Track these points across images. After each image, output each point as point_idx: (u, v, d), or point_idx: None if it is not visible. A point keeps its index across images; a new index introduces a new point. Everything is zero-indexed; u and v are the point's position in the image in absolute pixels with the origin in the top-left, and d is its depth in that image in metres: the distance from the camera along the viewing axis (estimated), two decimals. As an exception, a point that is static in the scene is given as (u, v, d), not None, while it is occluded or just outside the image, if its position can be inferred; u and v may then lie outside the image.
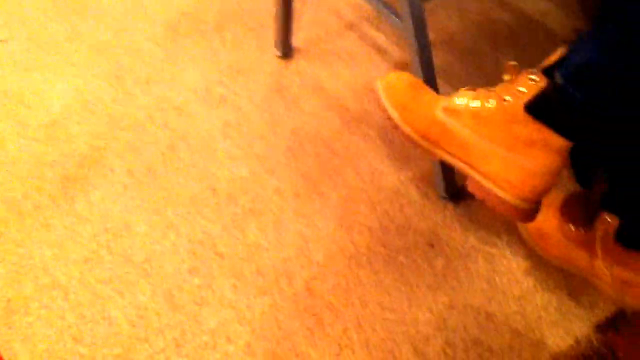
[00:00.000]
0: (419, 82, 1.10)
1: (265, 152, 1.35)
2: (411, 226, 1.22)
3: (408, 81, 1.09)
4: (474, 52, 1.51)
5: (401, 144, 1.33)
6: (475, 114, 1.01)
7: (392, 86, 1.08)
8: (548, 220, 1.12)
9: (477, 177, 1.01)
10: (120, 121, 1.42)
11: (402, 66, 1.48)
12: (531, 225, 1.13)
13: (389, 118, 1.07)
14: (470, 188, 1.03)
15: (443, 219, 1.23)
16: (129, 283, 1.17)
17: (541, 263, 1.15)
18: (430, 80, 1.16)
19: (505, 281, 1.15)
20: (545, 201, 1.03)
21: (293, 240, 1.22)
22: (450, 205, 1.25)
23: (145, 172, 1.32)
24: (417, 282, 1.16)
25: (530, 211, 0.99)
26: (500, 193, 0.99)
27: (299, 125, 1.39)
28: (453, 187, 1.25)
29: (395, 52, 1.53)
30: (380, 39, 1.57)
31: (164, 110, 1.44)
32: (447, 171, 1.22)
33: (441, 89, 1.19)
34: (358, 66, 1.51)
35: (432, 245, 1.20)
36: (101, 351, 1.09)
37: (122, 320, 1.12)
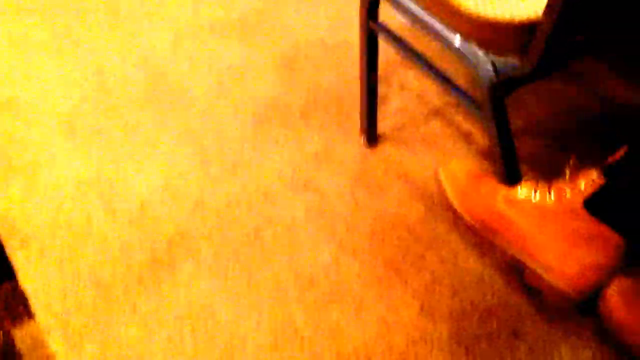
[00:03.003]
0: (481, 170, 1.19)
1: (348, 237, 1.44)
2: (494, 313, 1.28)
3: (470, 169, 1.17)
4: (560, 139, 1.58)
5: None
6: (535, 207, 1.08)
7: (453, 174, 1.17)
8: None
9: (534, 267, 1.08)
10: (206, 206, 1.54)
11: (487, 152, 1.56)
12: None
13: (451, 206, 1.15)
14: (527, 278, 1.10)
15: (527, 307, 1.29)
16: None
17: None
18: (510, 167, 1.24)
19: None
20: None
21: (374, 325, 1.29)
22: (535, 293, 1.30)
23: (230, 256, 1.43)
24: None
25: (582, 303, 1.05)
26: (555, 284, 1.06)
27: (383, 211, 1.49)
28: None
29: (480, 138, 1.61)
30: (465, 124, 1.66)
31: (250, 195, 1.55)
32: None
33: (527, 176, 1.26)
34: (443, 152, 1.60)
35: (515, 334, 1.26)
36: None
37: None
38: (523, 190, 1.09)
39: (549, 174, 1.14)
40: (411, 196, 1.51)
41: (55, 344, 1.30)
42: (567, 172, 1.06)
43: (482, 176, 1.16)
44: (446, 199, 1.17)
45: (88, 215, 1.53)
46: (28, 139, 1.73)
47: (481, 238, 1.14)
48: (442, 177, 1.18)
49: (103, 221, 1.52)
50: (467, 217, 1.14)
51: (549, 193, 1.07)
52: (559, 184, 1.07)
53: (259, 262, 1.41)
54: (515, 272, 1.31)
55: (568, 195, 1.05)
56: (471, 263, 1.37)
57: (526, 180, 1.11)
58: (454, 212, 1.16)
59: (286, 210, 1.51)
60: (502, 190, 1.12)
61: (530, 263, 1.09)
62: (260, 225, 1.48)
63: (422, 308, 1.31)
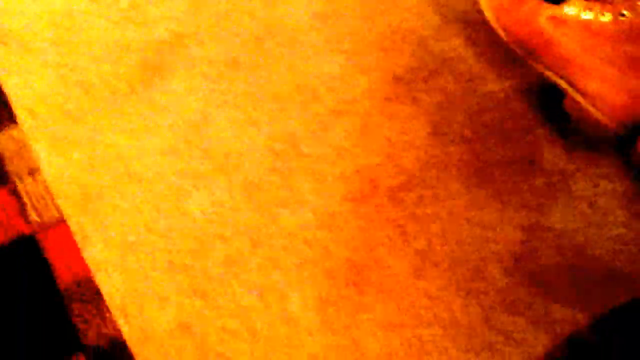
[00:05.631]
0: None
1: (356, 48, 1.39)
2: (511, 139, 1.25)
3: None
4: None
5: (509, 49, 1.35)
6: (585, 27, 1.02)
7: None
8: None
9: (576, 95, 1.03)
10: (203, 7, 1.47)
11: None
12: None
13: (486, 20, 1.08)
14: (567, 106, 1.05)
15: (546, 135, 1.26)
16: (206, 178, 1.24)
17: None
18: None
19: (608, 205, 1.18)
20: None
21: (381, 146, 1.26)
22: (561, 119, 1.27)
23: (227, 63, 1.38)
24: (512, 199, 1.20)
25: (627, 137, 1.01)
26: (599, 114, 1.01)
27: (395, 21, 1.42)
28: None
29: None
30: None
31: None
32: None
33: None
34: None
35: (532, 162, 1.23)
36: (175, 243, 1.17)
37: (198, 215, 1.20)
38: (572, 8, 1.02)
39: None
40: (427, 6, 1.44)
41: (40, 149, 1.27)
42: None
43: None
44: (480, 12, 1.10)
45: (76, 9, 1.46)
46: None
47: (518, 58, 1.08)
48: None
49: (91, 17, 1.45)
50: (502, 34, 1.08)
51: (603, 12, 1.00)
52: (616, 2, 1.00)
53: (258, 72, 1.36)
54: (538, 96, 1.27)
55: (627, 15, 0.98)
56: (489, 84, 1.32)
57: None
58: (489, 27, 1.09)
59: (290, 16, 1.45)
60: (548, 9, 1.05)
61: (571, 90, 1.04)
62: (261, 33, 1.42)
63: (433, 129, 1.28)
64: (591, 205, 1.18)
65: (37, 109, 1.31)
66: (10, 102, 1.32)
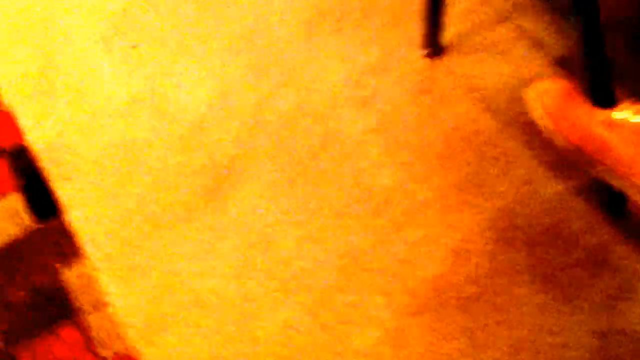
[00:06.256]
0: (576, 90, 1.12)
1: (412, 159, 1.40)
2: (577, 241, 1.24)
3: (564, 88, 1.11)
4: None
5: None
6: (637, 130, 1.02)
7: (546, 94, 1.11)
8: None
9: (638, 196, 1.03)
10: (257, 128, 1.50)
11: (562, 62, 1.49)
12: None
13: (542, 129, 1.09)
14: (632, 207, 1.04)
15: (614, 233, 1.24)
16: (272, 299, 1.24)
17: None
18: (603, 83, 1.17)
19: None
20: None
21: (445, 256, 1.26)
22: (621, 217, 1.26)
23: (288, 181, 1.40)
24: (582, 304, 1.18)
25: None
26: None
27: (449, 129, 1.43)
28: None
29: (555, 45, 1.54)
30: (537, 30, 1.58)
31: (307, 113, 1.50)
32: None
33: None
34: (513, 62, 1.53)
35: (601, 263, 1.22)
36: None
37: (267, 338, 1.20)
38: (622, 114, 1.03)
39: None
40: (481, 112, 1.45)
41: (106, 282, 1.29)
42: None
43: (576, 96, 1.10)
44: (534, 121, 1.11)
45: (135, 139, 1.50)
46: (70, 57, 1.69)
47: (576, 164, 1.08)
48: (532, 97, 1.12)
49: (153, 147, 1.49)
50: (560, 141, 1.09)
51: None
52: None
53: (319, 188, 1.38)
54: (600, 195, 1.27)
55: None
56: (548, 187, 1.32)
57: (627, 102, 1.04)
58: (546, 135, 1.10)
59: (346, 130, 1.46)
60: (600, 114, 1.06)
61: (633, 191, 1.03)
62: (318, 147, 1.44)
63: (497, 237, 1.27)
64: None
65: (102, 242, 1.34)
66: (74, 237, 1.35)
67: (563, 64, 1.49)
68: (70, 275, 1.30)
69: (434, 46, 1.57)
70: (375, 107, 1.49)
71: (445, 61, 1.56)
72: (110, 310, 1.25)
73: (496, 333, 1.17)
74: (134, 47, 1.70)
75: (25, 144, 1.53)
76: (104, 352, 1.20)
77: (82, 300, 1.27)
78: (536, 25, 1.59)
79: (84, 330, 1.22)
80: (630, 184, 1.03)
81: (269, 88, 1.56)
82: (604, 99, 1.14)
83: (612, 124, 1.04)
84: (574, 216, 1.27)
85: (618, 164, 1.04)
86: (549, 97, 1.10)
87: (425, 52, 1.57)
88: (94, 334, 1.22)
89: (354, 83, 1.54)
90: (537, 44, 1.56)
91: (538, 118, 1.10)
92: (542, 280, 1.21)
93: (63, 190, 1.43)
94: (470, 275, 1.23)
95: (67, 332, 1.23)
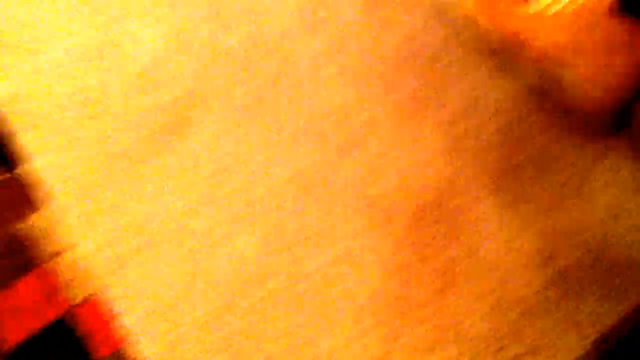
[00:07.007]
0: None
1: (366, 76, 1.42)
2: (524, 142, 1.27)
3: None
4: None
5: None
6: (558, 16, 1.03)
7: None
8: None
9: (564, 83, 1.05)
10: (221, 56, 1.53)
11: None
12: None
13: (475, 25, 1.11)
14: (556, 97, 1.06)
15: (559, 131, 1.26)
16: (229, 231, 1.29)
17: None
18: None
19: (623, 194, 1.17)
20: None
21: (403, 166, 1.29)
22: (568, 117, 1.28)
23: (247, 111, 1.43)
24: (528, 206, 1.21)
25: (617, 117, 1.02)
26: (587, 97, 1.03)
27: (401, 41, 1.45)
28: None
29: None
30: None
31: (260, 44, 1.53)
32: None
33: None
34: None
35: (551, 160, 1.24)
36: (209, 300, 1.23)
37: (222, 269, 1.25)
38: (540, 2, 1.04)
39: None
40: (433, 21, 1.46)
41: (68, 227, 1.34)
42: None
43: None
44: (470, 18, 1.13)
45: (100, 83, 1.54)
46: (26, 10, 1.73)
47: (508, 58, 1.10)
48: None
49: (112, 88, 1.53)
50: (490, 35, 1.11)
51: None
52: None
53: (277, 113, 1.41)
54: (545, 94, 1.28)
55: None
56: (498, 89, 1.34)
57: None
58: (479, 30, 1.13)
59: (300, 54, 1.49)
60: (520, 4, 1.07)
61: (559, 78, 1.05)
62: (279, 71, 1.47)
63: (452, 145, 1.30)
64: (605, 196, 1.18)
65: (63, 187, 1.39)
66: (37, 186, 1.41)
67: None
68: (34, 224, 1.35)
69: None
70: (329, 28, 1.51)
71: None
72: (72, 255, 1.31)
73: (444, 241, 1.20)
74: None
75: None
76: (71, 295, 1.26)
77: (46, 247, 1.32)
78: None
79: (50, 276, 1.28)
80: (554, 73, 1.05)
81: (222, 22, 1.58)
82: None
83: (532, 16, 1.05)
84: (524, 115, 1.29)
85: (543, 53, 1.06)
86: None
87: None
88: (60, 278, 1.28)
89: (306, 9, 1.56)
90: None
91: (469, 11, 1.12)
92: (493, 182, 1.24)
93: (27, 140, 1.48)
94: (427, 182, 1.27)
95: (33, 280, 1.28)
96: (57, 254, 1.29)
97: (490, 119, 1.30)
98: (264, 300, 1.21)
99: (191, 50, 1.56)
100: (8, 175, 1.39)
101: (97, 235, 1.32)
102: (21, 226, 1.33)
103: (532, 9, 1.05)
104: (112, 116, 1.48)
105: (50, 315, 1.21)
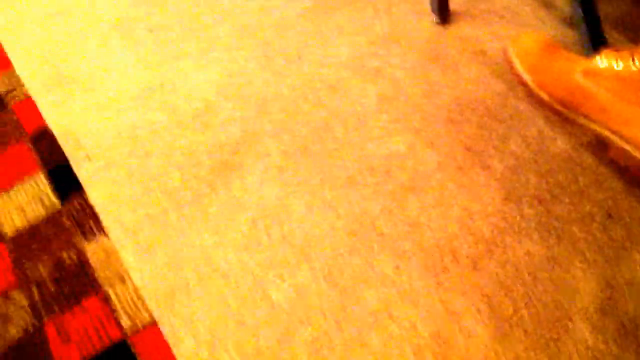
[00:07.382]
0: (556, 43, 1.14)
1: (423, 124, 1.43)
2: (586, 195, 1.27)
3: (543, 42, 1.13)
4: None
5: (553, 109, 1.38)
6: (618, 77, 1.04)
7: (526, 48, 1.13)
8: None
9: (619, 142, 1.05)
10: (272, 103, 1.54)
11: (572, 22, 1.51)
12: None
13: (524, 84, 1.12)
14: (613, 154, 1.06)
15: (622, 187, 1.27)
16: (288, 266, 1.29)
17: None
18: (593, 31, 1.18)
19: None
20: None
21: (457, 216, 1.29)
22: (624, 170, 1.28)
23: (300, 153, 1.44)
24: (594, 256, 1.20)
25: None
26: None
27: (460, 93, 1.46)
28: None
29: (564, 6, 1.56)
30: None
31: (317, 88, 1.55)
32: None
33: (616, 42, 1.22)
34: (522, 25, 1.55)
35: (610, 216, 1.24)
36: (263, 332, 1.21)
37: (282, 302, 1.24)
38: (603, 60, 1.05)
39: (633, 39, 1.10)
40: (490, 74, 1.48)
41: (127, 256, 1.34)
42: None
43: (556, 49, 1.12)
44: (516, 75, 1.14)
45: (151, 122, 1.56)
46: (83, 48, 1.75)
47: (561, 116, 1.11)
48: (512, 53, 1.15)
49: (167, 127, 1.54)
50: (542, 95, 1.11)
51: (633, 60, 1.02)
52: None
53: (331, 159, 1.42)
54: (606, 150, 1.29)
55: None
56: (558, 144, 1.34)
57: (606, 49, 1.06)
58: (528, 90, 1.13)
59: (357, 101, 1.51)
60: (580, 62, 1.08)
61: (614, 138, 1.06)
62: (330, 120, 1.48)
63: (507, 195, 1.30)
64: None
65: (123, 218, 1.39)
66: (98, 213, 1.41)
67: (572, 25, 1.51)
68: (93, 250, 1.35)
69: (443, 13, 1.60)
70: (385, 77, 1.53)
71: (454, 27, 1.58)
72: (133, 282, 1.31)
73: (511, 290, 1.19)
74: (150, 31, 1.76)
75: (47, 128, 1.59)
76: (128, 323, 1.26)
77: (104, 274, 1.32)
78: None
79: (107, 302, 1.28)
80: (609, 133, 1.05)
81: (275, 69, 1.60)
82: (596, 45, 1.16)
83: (592, 72, 1.06)
84: (581, 171, 1.30)
85: (597, 112, 1.06)
86: (529, 52, 1.13)
87: (434, 19, 1.60)
88: (117, 306, 1.28)
89: (363, 55, 1.58)
90: (546, 6, 1.58)
91: (520, 73, 1.13)
92: (554, 236, 1.24)
93: (83, 171, 1.48)
94: (481, 234, 1.27)
95: (92, 304, 1.28)
96: (120, 280, 1.29)
97: (552, 171, 1.30)
98: (317, 338, 1.20)
99: (242, 94, 1.58)
100: (72, 202, 1.40)
101: (154, 266, 1.31)
102: (86, 251, 1.33)
103: (593, 64, 1.05)
104: (164, 154, 1.49)
105: (110, 337, 1.20)
